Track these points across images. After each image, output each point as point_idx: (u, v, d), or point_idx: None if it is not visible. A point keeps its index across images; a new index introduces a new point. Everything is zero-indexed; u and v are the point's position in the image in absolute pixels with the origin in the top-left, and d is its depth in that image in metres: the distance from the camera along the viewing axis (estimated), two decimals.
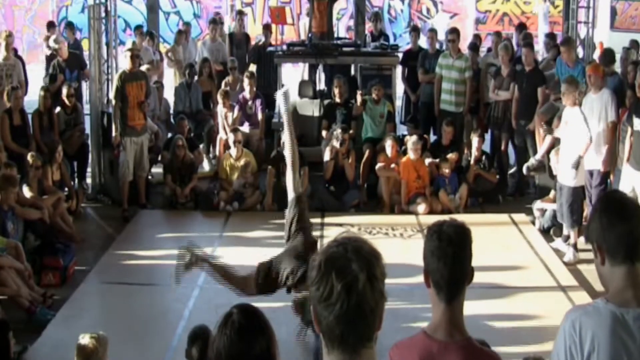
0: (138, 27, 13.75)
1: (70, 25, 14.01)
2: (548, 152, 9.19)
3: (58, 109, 10.52)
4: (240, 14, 14.10)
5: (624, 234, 2.58)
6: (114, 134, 9.75)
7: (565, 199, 8.25)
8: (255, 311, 2.72)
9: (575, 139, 8.18)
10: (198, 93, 11.95)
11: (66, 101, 10.54)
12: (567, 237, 8.51)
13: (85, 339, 4.71)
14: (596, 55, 12.76)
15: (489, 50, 12.27)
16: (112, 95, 9.95)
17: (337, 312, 1.97)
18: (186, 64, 12.48)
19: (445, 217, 2.82)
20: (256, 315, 2.71)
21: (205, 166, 11.46)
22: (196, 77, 12.09)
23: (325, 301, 1.98)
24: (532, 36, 12.09)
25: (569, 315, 2.65)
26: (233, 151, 10.09)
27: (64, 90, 10.61)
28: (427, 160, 10.00)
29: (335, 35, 12.66)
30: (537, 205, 9.33)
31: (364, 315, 1.99)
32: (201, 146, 11.68)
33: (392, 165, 9.82)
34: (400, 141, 10.28)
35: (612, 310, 2.56)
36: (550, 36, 12.75)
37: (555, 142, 9.11)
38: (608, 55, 10.17)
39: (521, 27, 13.28)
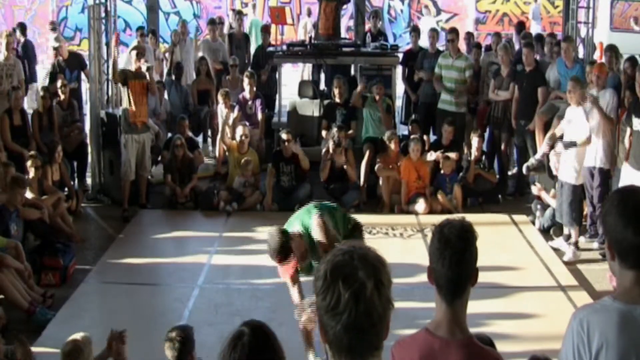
0: (140, 29, 13.78)
1: (21, 26, 13.95)
2: (548, 152, 9.21)
3: (54, 104, 10.53)
4: (240, 14, 14.11)
5: (636, 245, 2.56)
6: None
7: (566, 196, 8.26)
8: (266, 331, 2.69)
9: (577, 137, 8.19)
10: (186, 89, 12.17)
11: (60, 93, 10.56)
12: (568, 237, 8.51)
13: (69, 345, 4.68)
14: (596, 55, 12.76)
15: (489, 48, 12.25)
16: (117, 79, 9.75)
17: (345, 321, 1.95)
18: (175, 63, 12.55)
19: (455, 217, 2.80)
20: (267, 335, 2.68)
21: (209, 160, 11.53)
22: (194, 74, 12.23)
23: (332, 310, 1.96)
24: (532, 36, 12.10)
25: (577, 314, 2.63)
26: (238, 134, 10.09)
27: (58, 83, 10.65)
28: (431, 157, 10.00)
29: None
30: (538, 187, 9.34)
31: (372, 323, 1.97)
32: (200, 139, 11.77)
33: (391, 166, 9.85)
34: (400, 141, 10.30)
35: (620, 307, 2.56)
36: (551, 36, 12.76)
37: (555, 143, 9.11)
38: (614, 49, 10.22)
39: (520, 26, 13.26)
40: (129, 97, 9.45)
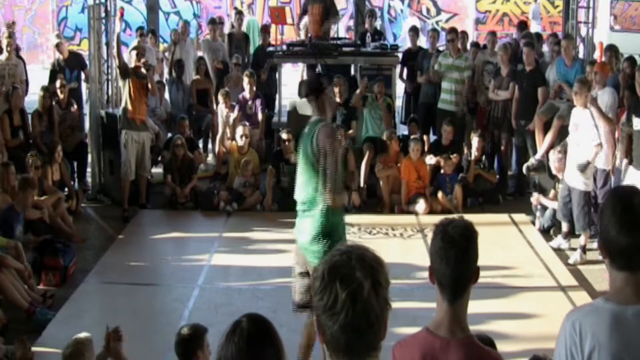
0: (139, 29, 13.77)
1: None
2: (547, 151, 9.20)
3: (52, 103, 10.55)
4: (240, 13, 14.10)
5: (627, 247, 2.56)
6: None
7: (577, 203, 8.20)
8: (264, 321, 2.70)
9: (584, 142, 8.16)
10: (187, 89, 12.12)
11: (58, 92, 10.56)
12: (567, 234, 8.51)
13: (70, 347, 4.65)
14: (596, 55, 12.78)
15: (484, 47, 12.25)
16: (119, 72, 9.76)
17: (342, 321, 1.95)
18: (175, 60, 12.53)
19: (454, 216, 2.81)
20: (265, 325, 2.68)
21: (210, 160, 11.50)
22: (193, 74, 12.20)
23: (329, 310, 1.96)
24: (532, 36, 12.11)
25: (569, 316, 2.64)
26: (240, 142, 10.08)
27: (57, 83, 10.65)
28: (430, 161, 10.00)
29: (335, 36, 12.70)
30: (535, 197, 9.32)
31: (369, 323, 1.97)
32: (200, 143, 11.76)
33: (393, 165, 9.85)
34: (400, 140, 10.30)
35: (612, 308, 2.56)
36: (553, 36, 12.76)
37: (555, 142, 9.11)
38: (614, 49, 10.24)
39: (522, 25, 13.26)
40: (129, 91, 9.44)
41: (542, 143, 9.44)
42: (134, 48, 10.16)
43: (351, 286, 1.95)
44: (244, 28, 13.80)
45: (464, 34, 13.13)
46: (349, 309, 1.94)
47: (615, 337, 2.51)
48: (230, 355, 2.61)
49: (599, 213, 2.68)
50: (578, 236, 8.40)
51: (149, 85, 9.60)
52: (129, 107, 9.46)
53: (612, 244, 2.57)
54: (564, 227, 8.55)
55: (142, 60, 9.67)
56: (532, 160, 9.52)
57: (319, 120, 5.25)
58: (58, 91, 10.66)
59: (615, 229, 2.56)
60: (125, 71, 9.47)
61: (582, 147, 8.14)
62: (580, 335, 2.55)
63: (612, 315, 2.54)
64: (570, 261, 8.17)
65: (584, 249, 8.21)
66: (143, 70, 9.52)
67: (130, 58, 10.02)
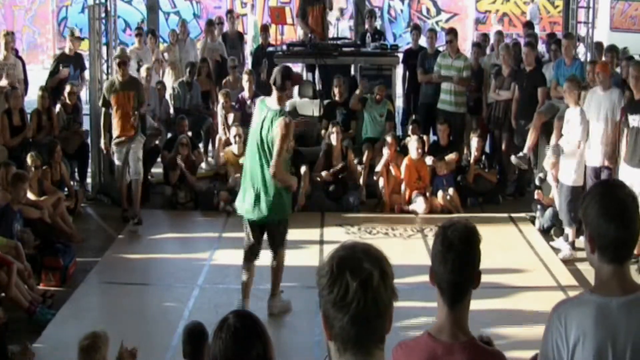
0: (137, 28, 13.75)
1: None
2: (532, 148, 9.39)
3: (58, 107, 10.51)
4: (231, 12, 14.12)
5: (617, 240, 2.57)
6: (102, 141, 9.54)
7: (564, 197, 8.29)
8: (251, 316, 2.71)
9: (573, 138, 8.23)
10: (197, 92, 11.98)
11: (67, 99, 10.54)
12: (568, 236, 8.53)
13: (87, 339, 4.65)
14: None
15: (492, 49, 12.24)
16: (100, 103, 9.61)
17: (354, 311, 1.97)
18: (187, 63, 12.47)
19: (458, 216, 2.80)
20: (252, 320, 2.69)
21: (210, 161, 11.47)
22: (196, 77, 12.15)
23: (340, 302, 1.98)
24: (536, 36, 12.12)
25: (555, 308, 2.67)
26: (235, 147, 10.07)
27: (67, 88, 10.61)
28: (429, 161, 10.01)
29: (335, 36, 12.69)
30: (539, 179, 9.37)
31: (378, 312, 2.00)
32: (200, 145, 11.71)
33: (390, 165, 9.84)
34: (399, 140, 10.29)
35: (597, 300, 2.59)
36: (551, 36, 12.76)
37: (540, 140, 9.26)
38: (615, 49, 10.25)
39: (530, 25, 13.26)
40: (113, 112, 9.16)
41: (533, 141, 9.55)
42: (116, 57, 9.58)
43: (362, 275, 1.97)
44: (250, 28, 13.80)
45: (485, 36, 13.18)
46: (361, 298, 1.96)
47: (600, 328, 2.54)
48: (218, 352, 2.63)
49: (584, 207, 2.66)
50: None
51: (138, 95, 9.24)
52: (115, 131, 9.20)
53: (602, 237, 2.58)
54: (566, 229, 8.56)
55: (127, 68, 9.27)
56: (520, 154, 9.63)
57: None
58: (67, 99, 10.56)
59: (606, 222, 2.56)
60: (106, 103, 9.27)
61: (572, 144, 8.25)
62: (565, 327, 2.58)
63: (597, 307, 2.57)
64: (560, 256, 8.21)
65: (573, 244, 8.25)
66: (138, 73, 9.23)
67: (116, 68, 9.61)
